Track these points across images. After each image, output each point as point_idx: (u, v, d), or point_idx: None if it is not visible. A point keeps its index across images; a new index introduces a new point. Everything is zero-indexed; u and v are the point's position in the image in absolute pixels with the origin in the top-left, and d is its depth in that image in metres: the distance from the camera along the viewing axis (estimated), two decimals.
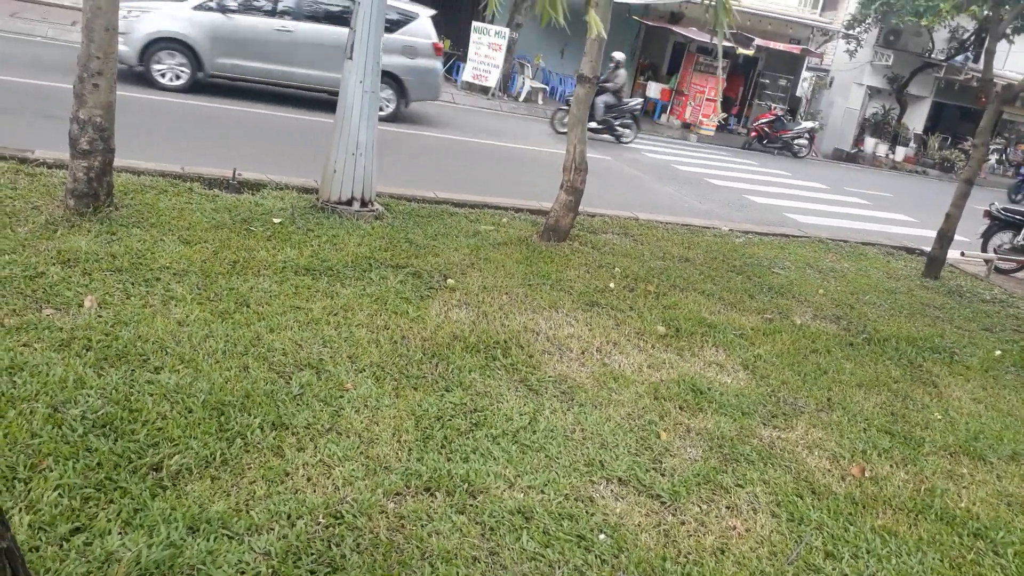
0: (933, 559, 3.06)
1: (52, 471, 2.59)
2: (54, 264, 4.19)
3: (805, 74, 26.14)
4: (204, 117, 9.57)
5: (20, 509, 2.41)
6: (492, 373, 3.95)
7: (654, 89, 22.98)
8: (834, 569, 2.89)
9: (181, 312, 3.94)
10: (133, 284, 4.17)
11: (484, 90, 18.76)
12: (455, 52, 20.05)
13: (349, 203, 6.23)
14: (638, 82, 24.05)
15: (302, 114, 11.03)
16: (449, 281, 5.14)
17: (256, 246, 5.07)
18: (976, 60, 22.37)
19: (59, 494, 2.50)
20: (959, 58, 23.30)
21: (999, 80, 13.41)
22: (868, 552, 3.03)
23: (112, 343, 3.50)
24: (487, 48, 18.61)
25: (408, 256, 5.47)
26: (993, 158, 25.43)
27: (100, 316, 3.74)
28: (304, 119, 10.75)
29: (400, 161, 9.06)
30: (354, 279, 4.85)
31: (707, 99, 21.46)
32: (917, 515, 3.37)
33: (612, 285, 5.76)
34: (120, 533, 2.40)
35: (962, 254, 9.48)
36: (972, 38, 22.46)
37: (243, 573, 2.35)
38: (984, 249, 10.19)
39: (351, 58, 6.01)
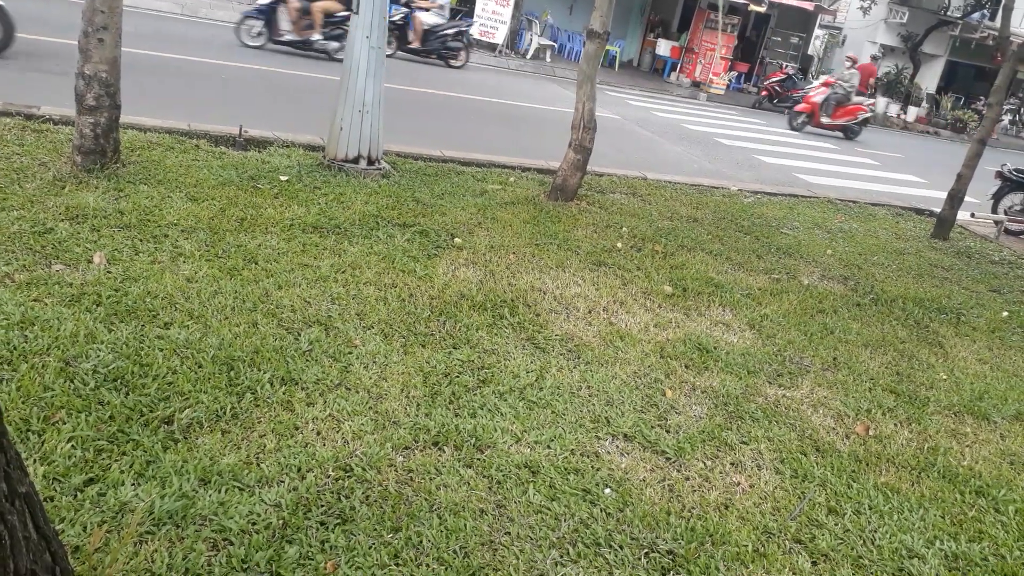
0: (934, 516, 3.09)
1: (65, 423, 2.63)
2: (62, 220, 4.20)
3: (817, 32, 25.70)
4: (207, 74, 9.48)
5: (35, 460, 2.45)
6: (499, 331, 3.97)
7: (664, 47, 22.65)
8: (836, 525, 2.93)
9: (190, 269, 3.96)
10: (141, 240, 4.18)
11: (491, 47, 18.52)
12: (462, 8, 19.74)
13: (356, 161, 6.19)
14: (648, 39, 23.71)
15: (308, 71, 10.91)
16: (456, 240, 5.13)
17: (263, 203, 5.07)
18: (993, 17, 21.95)
19: (72, 446, 2.54)
20: (975, 15, 22.86)
21: (1016, 38, 13.15)
22: (870, 508, 3.06)
23: (122, 299, 3.52)
24: (494, 4, 18.32)
25: (415, 215, 5.46)
26: (1006, 118, 25.09)
27: (109, 272, 3.75)
28: (310, 76, 10.64)
29: (406, 119, 8.98)
30: (361, 237, 4.84)
31: (722, 57, 21.14)
32: (920, 473, 3.40)
33: (619, 245, 5.75)
34: (133, 484, 2.44)
35: (972, 215, 9.40)
36: None
37: (254, 524, 2.39)
38: (995, 210, 10.10)
39: (357, 12, 5.92)
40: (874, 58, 20.01)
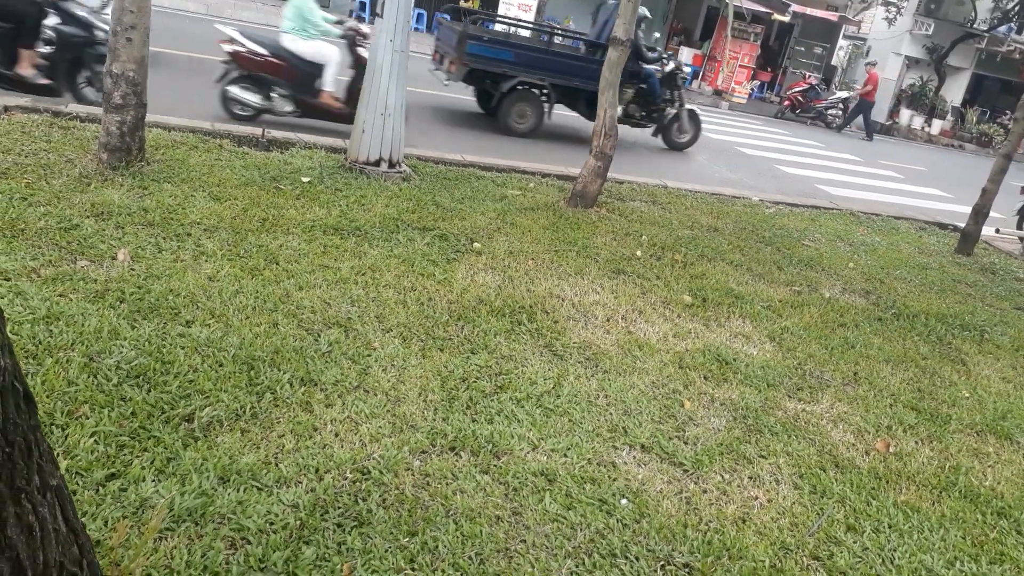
0: (955, 536, 3.05)
1: (88, 419, 2.66)
2: (88, 217, 4.25)
3: (841, 42, 25.55)
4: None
5: (58, 454, 2.47)
6: (517, 337, 3.97)
7: (686, 54, 22.59)
8: (855, 543, 2.89)
9: (211, 268, 3.99)
10: (165, 238, 4.21)
11: None
12: (484, 13, 19.78)
13: (377, 164, 6.22)
14: (670, 46, 23.65)
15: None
16: (475, 245, 5.14)
17: (285, 204, 5.10)
18: (1020, 31, 21.71)
19: (95, 441, 2.56)
20: (1002, 28, 22.61)
21: None
22: (890, 527, 3.03)
23: (145, 296, 3.55)
24: (517, 8, 18.37)
25: (435, 219, 5.47)
26: None
27: (133, 269, 3.79)
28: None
29: (426, 123, 9.01)
30: (382, 240, 4.86)
31: (740, 66, 21.07)
32: (940, 492, 3.36)
33: (639, 253, 5.73)
34: (154, 480, 2.46)
35: (997, 231, 9.29)
36: (1017, 7, 21.74)
37: (272, 524, 2.40)
38: (1020, 226, 9.97)
39: (381, 16, 5.95)
40: (871, 64, 20.13)
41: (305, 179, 5.68)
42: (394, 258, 4.62)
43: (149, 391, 2.88)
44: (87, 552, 1.72)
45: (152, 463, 2.53)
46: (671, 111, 11.06)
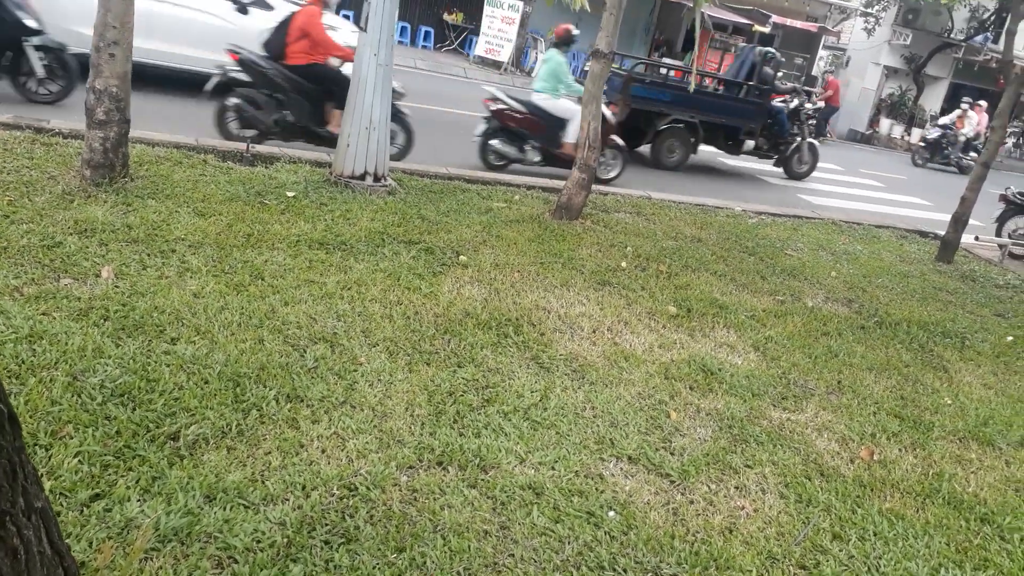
0: (939, 543, 3.08)
1: (72, 438, 2.64)
2: (71, 234, 4.23)
3: (821, 53, 25.83)
4: None
5: (42, 475, 2.45)
6: (504, 350, 3.98)
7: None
8: (841, 551, 2.92)
9: (196, 284, 3.97)
10: (149, 255, 4.20)
11: (496, 65, 18.64)
12: (468, 26, 19.89)
13: (362, 178, 6.23)
14: (652, 57, 23.83)
15: None
16: (461, 258, 5.15)
17: (270, 219, 5.09)
18: (996, 40, 22.05)
19: (79, 461, 2.55)
20: (979, 38, 22.95)
21: (1019, 61, 13.20)
22: (875, 535, 3.05)
23: (129, 313, 3.53)
24: (500, 22, 18.47)
25: (420, 232, 5.48)
26: (1010, 141, 25.13)
27: (117, 286, 3.77)
28: None
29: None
30: (367, 254, 4.86)
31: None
32: (924, 499, 3.39)
33: (624, 264, 5.76)
34: (139, 500, 2.45)
35: (976, 238, 9.41)
36: (992, 18, 22.11)
37: (259, 542, 2.39)
38: (999, 234, 10.11)
39: (365, 30, 5.98)
40: (830, 72, 20.63)
41: (290, 194, 5.68)
42: (380, 272, 4.62)
43: (134, 409, 2.87)
44: (72, 574, 1.71)
45: (137, 482, 2.52)
46: (794, 144, 11.83)
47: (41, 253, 3.93)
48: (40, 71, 6.92)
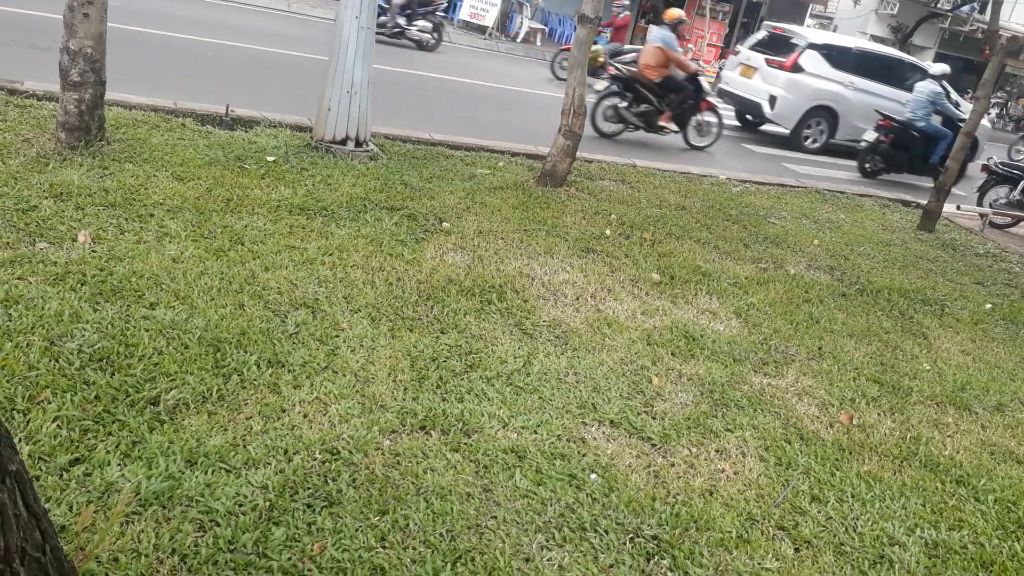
0: (916, 504, 3.13)
1: (50, 403, 2.61)
2: (46, 198, 4.15)
3: (809, 21, 25.71)
4: (196, 52, 9.36)
5: (20, 440, 2.43)
6: (487, 316, 3.97)
7: (655, 33, 22.55)
8: (819, 512, 2.96)
9: (175, 249, 3.92)
10: (127, 220, 4.13)
11: (481, 29, 18.40)
12: None
13: (343, 143, 6.15)
14: (639, 25, 23.59)
15: (295, 51, 10.80)
16: (444, 224, 5.12)
17: (250, 184, 5.03)
18: (982, 10, 22.03)
19: (58, 426, 2.52)
20: (965, 8, 22.94)
21: (1004, 32, 13.20)
22: (853, 496, 3.10)
23: (107, 278, 3.48)
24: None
25: (403, 198, 5.43)
26: (993, 112, 25.24)
27: (94, 251, 3.72)
28: (297, 56, 10.53)
29: (395, 101, 8.92)
30: (349, 220, 4.82)
31: (708, 45, 21.12)
32: (902, 462, 3.44)
33: (608, 232, 5.75)
34: (119, 465, 2.43)
35: (958, 208, 9.48)
36: None
37: (241, 506, 2.39)
38: (980, 203, 10.18)
39: None
40: None
41: (270, 158, 5.60)
42: (362, 238, 4.58)
43: (113, 374, 2.84)
44: (50, 537, 1.70)
45: (117, 447, 2.50)
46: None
47: (16, 217, 3.86)
48: None
